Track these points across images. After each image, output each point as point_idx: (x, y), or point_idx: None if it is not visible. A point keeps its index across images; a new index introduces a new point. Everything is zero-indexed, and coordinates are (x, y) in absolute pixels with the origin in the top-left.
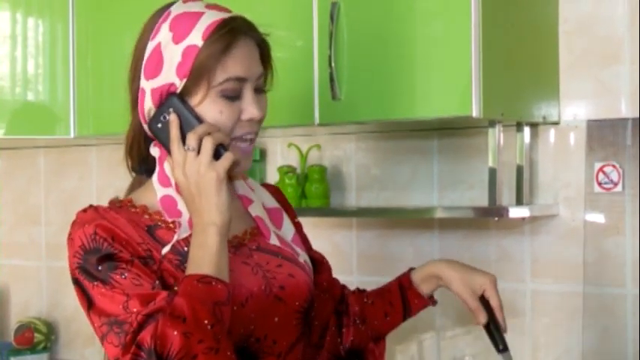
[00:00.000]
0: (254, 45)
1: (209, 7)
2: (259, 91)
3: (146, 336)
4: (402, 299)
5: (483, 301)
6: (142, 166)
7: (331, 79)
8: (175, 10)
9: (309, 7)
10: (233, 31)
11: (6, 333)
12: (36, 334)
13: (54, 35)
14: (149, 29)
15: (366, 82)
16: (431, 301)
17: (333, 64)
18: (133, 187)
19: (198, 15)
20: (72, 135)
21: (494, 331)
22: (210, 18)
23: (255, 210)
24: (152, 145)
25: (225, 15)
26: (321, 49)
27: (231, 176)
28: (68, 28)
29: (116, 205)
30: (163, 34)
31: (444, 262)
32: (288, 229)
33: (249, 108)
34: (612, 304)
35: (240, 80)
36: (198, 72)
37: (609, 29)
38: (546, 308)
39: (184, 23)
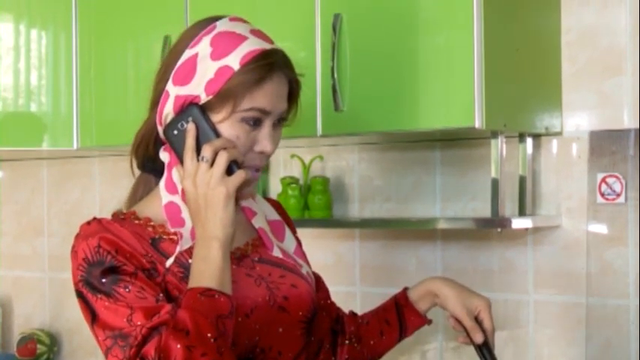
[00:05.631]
0: (285, 82)
1: (254, 32)
2: (278, 125)
3: (150, 349)
4: (399, 317)
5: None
6: (148, 165)
7: (334, 91)
8: (221, 26)
9: (311, 18)
10: (270, 65)
11: (9, 344)
12: (39, 346)
13: (57, 47)
14: (190, 36)
15: (368, 94)
16: (426, 320)
17: (335, 76)
18: (134, 195)
19: (242, 38)
20: (75, 146)
21: (487, 353)
22: (252, 45)
23: (258, 222)
24: (162, 149)
25: (266, 46)
26: (323, 61)
27: (237, 197)
28: (71, 39)
29: (119, 217)
30: (203, 46)
31: (440, 279)
32: (290, 242)
33: (264, 141)
34: (615, 315)
35: (264, 112)
36: (226, 94)
37: (611, 40)
38: (549, 319)
39: (226, 42)
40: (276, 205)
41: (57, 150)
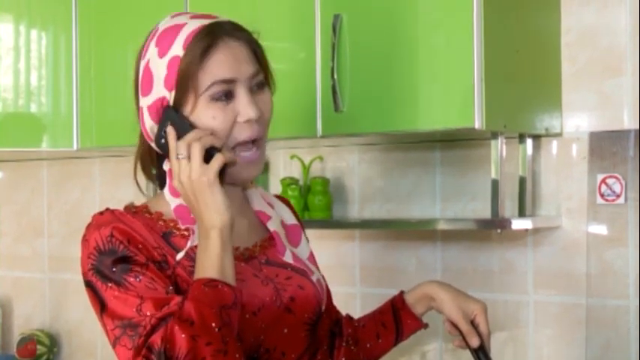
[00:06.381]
0: (241, 45)
1: (194, 17)
2: (257, 90)
3: (157, 339)
4: (395, 320)
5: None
6: (158, 179)
7: (334, 91)
8: (162, 25)
9: (311, 18)
10: (211, 34)
11: (9, 345)
12: (38, 346)
13: (57, 47)
14: (141, 48)
15: (368, 94)
16: (422, 324)
17: (335, 76)
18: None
19: (180, 26)
20: (75, 147)
21: (483, 357)
22: (191, 27)
23: (273, 226)
24: (165, 162)
25: (206, 21)
26: (323, 61)
27: (222, 181)
28: (71, 40)
29: (131, 210)
30: (151, 51)
31: (436, 283)
32: (304, 247)
33: (244, 109)
34: (615, 316)
35: (228, 82)
36: (183, 81)
37: (611, 40)
38: (549, 320)
39: (168, 36)
40: (286, 203)
41: (57, 150)
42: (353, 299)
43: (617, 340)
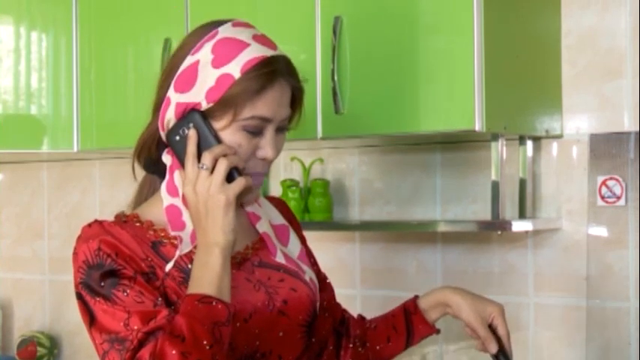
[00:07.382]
0: (288, 89)
1: (256, 38)
2: (280, 130)
3: (145, 354)
4: (407, 324)
5: (490, 329)
6: (151, 167)
7: (334, 93)
8: (223, 32)
9: (312, 20)
10: (272, 73)
11: (9, 347)
12: (39, 348)
13: (57, 49)
14: (192, 43)
15: (368, 96)
16: (434, 329)
17: (336, 78)
18: (140, 195)
19: (243, 45)
20: (75, 149)
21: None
22: (254, 53)
23: (263, 227)
24: (165, 152)
25: (269, 52)
26: (324, 63)
27: (242, 203)
28: (72, 41)
29: (122, 219)
30: (204, 53)
31: (450, 289)
32: (294, 246)
33: (266, 147)
34: (615, 318)
35: (265, 120)
36: (227, 102)
37: (612, 43)
38: (549, 322)
39: (228, 50)
40: (280, 204)
41: (57, 152)
42: (353, 301)
43: (618, 341)
